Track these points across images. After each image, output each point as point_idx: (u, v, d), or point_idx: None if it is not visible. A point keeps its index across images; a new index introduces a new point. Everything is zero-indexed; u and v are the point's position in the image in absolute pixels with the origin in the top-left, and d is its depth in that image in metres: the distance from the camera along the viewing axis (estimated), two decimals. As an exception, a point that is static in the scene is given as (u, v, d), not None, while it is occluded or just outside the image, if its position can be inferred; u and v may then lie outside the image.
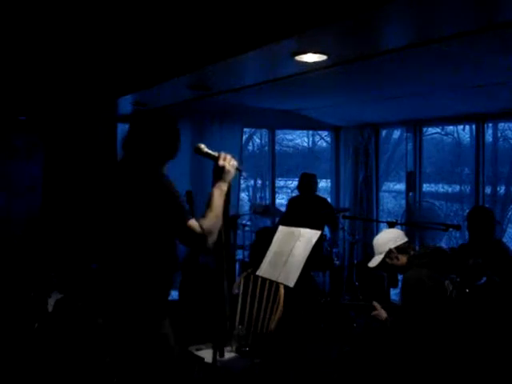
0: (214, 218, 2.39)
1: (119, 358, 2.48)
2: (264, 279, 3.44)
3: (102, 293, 2.49)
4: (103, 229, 2.51)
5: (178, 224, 2.35)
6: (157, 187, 2.37)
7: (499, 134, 9.37)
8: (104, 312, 2.50)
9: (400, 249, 3.48)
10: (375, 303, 3.51)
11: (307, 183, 6.31)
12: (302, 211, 6.11)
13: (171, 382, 2.47)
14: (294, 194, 7.53)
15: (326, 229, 6.36)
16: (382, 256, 3.52)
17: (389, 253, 3.49)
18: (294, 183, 11.09)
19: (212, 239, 2.37)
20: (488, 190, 7.73)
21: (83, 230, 5.07)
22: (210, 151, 2.51)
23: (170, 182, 2.41)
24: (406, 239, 3.53)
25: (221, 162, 2.54)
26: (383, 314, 3.48)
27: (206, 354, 3.27)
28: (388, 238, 3.54)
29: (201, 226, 2.34)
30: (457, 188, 10.07)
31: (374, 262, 3.55)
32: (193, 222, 2.34)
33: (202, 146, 2.50)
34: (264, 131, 9.71)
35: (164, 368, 2.43)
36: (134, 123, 2.57)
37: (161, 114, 2.58)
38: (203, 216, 2.40)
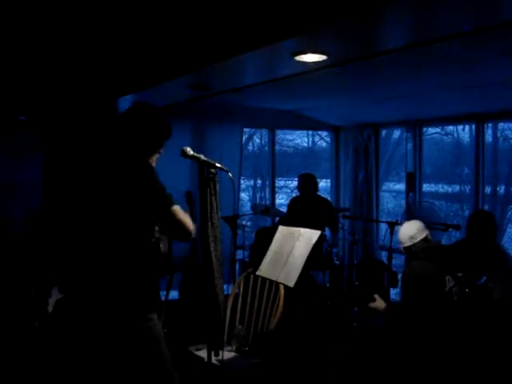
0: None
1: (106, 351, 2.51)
2: (264, 279, 3.44)
3: (89, 284, 2.52)
4: (89, 218, 2.55)
5: (163, 208, 2.46)
6: (143, 177, 2.48)
7: (499, 134, 9.36)
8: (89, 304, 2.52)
9: (417, 243, 3.58)
10: (376, 295, 3.58)
11: (304, 184, 6.31)
12: (303, 211, 6.11)
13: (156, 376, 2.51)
14: (294, 194, 7.53)
15: (327, 229, 6.36)
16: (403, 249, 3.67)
17: (408, 247, 3.60)
18: (294, 183, 11.07)
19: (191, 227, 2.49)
20: (488, 189, 7.74)
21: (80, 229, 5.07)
22: (195, 154, 2.53)
23: (155, 174, 2.52)
24: (425, 234, 3.60)
25: None
26: (382, 304, 3.53)
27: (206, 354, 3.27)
28: (408, 234, 3.61)
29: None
30: (457, 188, 10.07)
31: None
32: (176, 208, 2.47)
33: (188, 149, 2.53)
34: (264, 131, 9.71)
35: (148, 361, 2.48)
36: (123, 116, 2.64)
37: (150, 108, 2.65)
38: None
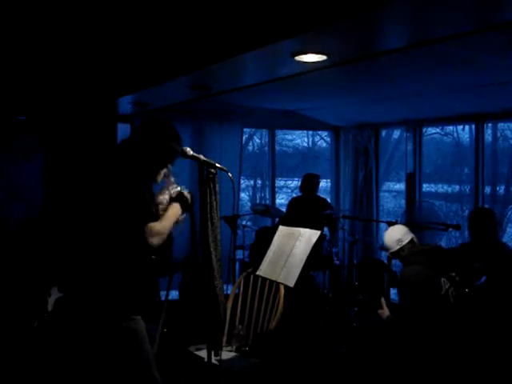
0: (165, 226, 2.60)
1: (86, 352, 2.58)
2: (264, 279, 3.44)
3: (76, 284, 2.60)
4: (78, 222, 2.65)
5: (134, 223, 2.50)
6: (128, 190, 2.53)
7: (499, 134, 9.36)
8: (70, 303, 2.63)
9: (404, 247, 3.55)
10: (382, 300, 3.58)
11: (311, 184, 6.33)
12: (304, 211, 6.11)
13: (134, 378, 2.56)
14: (294, 194, 7.52)
15: (326, 229, 6.37)
16: (390, 254, 3.65)
17: (396, 252, 3.57)
18: (294, 183, 11.05)
19: (156, 241, 2.54)
20: (488, 190, 7.73)
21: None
22: (195, 154, 2.55)
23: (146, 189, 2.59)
24: (411, 236, 3.57)
25: (186, 195, 2.76)
26: (386, 312, 3.53)
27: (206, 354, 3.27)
28: (395, 238, 3.60)
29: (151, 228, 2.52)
30: (456, 188, 10.06)
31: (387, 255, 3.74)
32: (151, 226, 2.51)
33: (188, 149, 2.55)
34: (264, 131, 9.70)
35: (125, 363, 2.54)
36: (141, 129, 2.74)
37: (167, 126, 2.73)
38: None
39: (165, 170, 2.70)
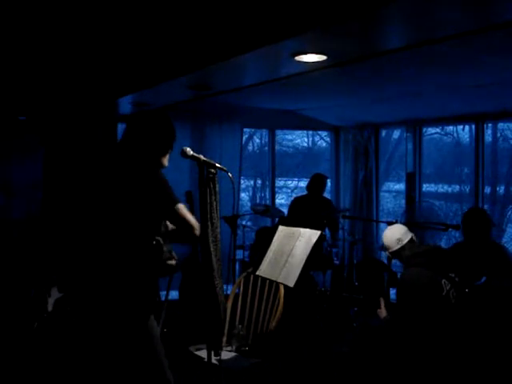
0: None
1: (102, 352, 2.54)
2: (264, 279, 3.44)
3: (84, 284, 2.56)
4: (91, 218, 2.61)
5: (166, 206, 2.52)
6: (149, 178, 2.55)
7: (499, 134, 9.35)
8: (83, 304, 2.58)
9: (404, 246, 3.54)
10: (381, 300, 3.58)
11: (320, 184, 6.34)
12: (308, 211, 6.11)
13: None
14: (294, 194, 7.52)
15: (326, 229, 6.37)
16: (390, 254, 3.63)
17: (396, 251, 3.56)
18: (294, 183, 11.04)
19: (192, 221, 2.54)
20: (487, 190, 7.72)
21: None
22: (195, 154, 2.55)
23: (161, 175, 2.61)
24: (410, 235, 3.57)
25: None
26: (383, 312, 3.53)
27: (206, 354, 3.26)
28: (395, 237, 3.59)
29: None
30: (456, 188, 10.06)
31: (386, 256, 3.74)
32: (181, 206, 2.53)
33: (188, 149, 2.55)
34: (264, 131, 9.70)
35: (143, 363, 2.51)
36: (132, 122, 2.74)
37: (157, 113, 2.78)
38: None
39: (167, 156, 2.72)
